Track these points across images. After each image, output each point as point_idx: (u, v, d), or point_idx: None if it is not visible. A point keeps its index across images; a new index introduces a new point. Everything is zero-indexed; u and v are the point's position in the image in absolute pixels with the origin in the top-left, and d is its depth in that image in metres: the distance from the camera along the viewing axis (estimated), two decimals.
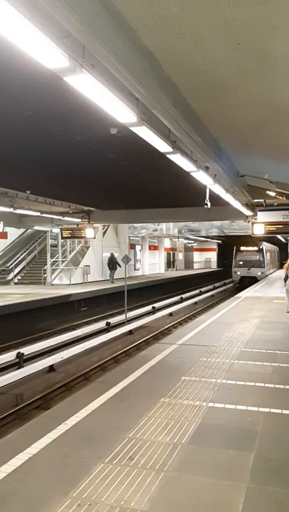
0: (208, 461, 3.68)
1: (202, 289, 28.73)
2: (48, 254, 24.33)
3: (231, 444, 4.02)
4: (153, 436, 4.16)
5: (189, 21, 3.69)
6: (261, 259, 32.74)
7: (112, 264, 24.93)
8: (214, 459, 3.72)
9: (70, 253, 26.19)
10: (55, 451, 3.86)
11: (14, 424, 7.21)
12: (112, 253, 25.66)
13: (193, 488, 3.27)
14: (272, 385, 5.76)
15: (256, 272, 31.88)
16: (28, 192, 15.51)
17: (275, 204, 15.38)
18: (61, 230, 20.69)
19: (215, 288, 31.02)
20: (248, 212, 16.28)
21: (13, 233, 25.52)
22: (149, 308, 18.99)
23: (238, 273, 32.63)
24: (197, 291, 27.37)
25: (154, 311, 18.68)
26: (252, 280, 29.47)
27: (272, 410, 4.85)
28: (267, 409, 4.86)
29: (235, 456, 3.78)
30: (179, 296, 23.78)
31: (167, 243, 41.31)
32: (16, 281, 24.36)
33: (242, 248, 33.11)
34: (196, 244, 50.64)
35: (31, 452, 3.82)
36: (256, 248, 32.82)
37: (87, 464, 3.60)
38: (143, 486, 3.28)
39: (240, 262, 32.81)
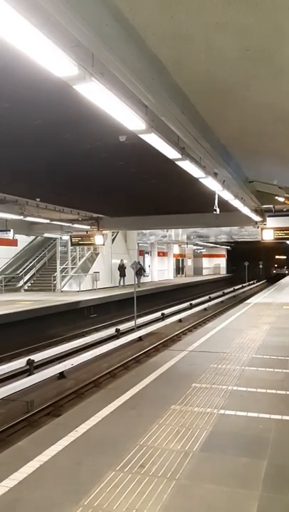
0: (220, 469, 3.65)
1: (211, 295, 28.63)
2: (58, 261, 24.41)
3: (243, 452, 3.98)
4: (164, 443, 4.14)
5: (198, 29, 3.71)
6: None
7: (138, 270, 26.18)
8: (226, 467, 3.69)
9: (79, 260, 26.27)
10: (66, 459, 3.85)
11: (25, 431, 7.20)
12: (121, 259, 26.04)
13: (205, 497, 3.24)
14: (283, 392, 5.71)
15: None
16: (38, 200, 15.59)
17: (285, 210, 15.31)
18: (71, 237, 20.77)
19: (224, 294, 30.91)
20: (257, 218, 16.22)
21: (23, 241, 25.67)
22: (158, 314, 18.93)
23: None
24: (207, 297, 27.27)
25: (164, 317, 18.62)
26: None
27: (284, 417, 4.80)
28: (279, 417, 4.82)
29: (248, 463, 3.75)
30: (189, 303, 23.71)
31: (176, 249, 41.25)
32: (26, 288, 24.46)
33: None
34: (204, 250, 50.54)
35: (42, 460, 3.81)
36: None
37: (98, 472, 3.59)
38: (155, 494, 3.26)
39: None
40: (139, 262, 28.81)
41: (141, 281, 26.81)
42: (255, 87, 4.99)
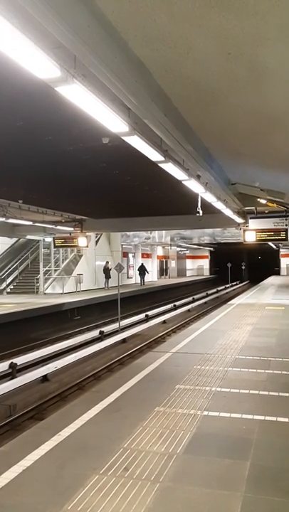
0: (203, 471, 3.66)
1: (195, 296, 28.76)
2: (41, 264, 24.24)
3: (227, 453, 4.00)
4: (148, 446, 4.14)
5: (180, 32, 3.72)
6: None
7: (142, 271, 29.03)
8: (210, 469, 3.70)
9: (62, 262, 26.12)
10: (49, 463, 3.82)
11: (7, 435, 7.14)
12: (107, 261, 26.12)
13: (189, 499, 3.25)
14: (266, 393, 5.76)
15: None
16: (21, 201, 15.47)
17: (266, 211, 15.47)
18: (54, 238, 20.64)
19: (208, 295, 31.07)
20: (239, 220, 16.35)
21: (6, 243, 25.43)
22: (142, 316, 18.93)
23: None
24: (190, 299, 27.37)
25: (148, 319, 18.63)
26: None
27: (267, 418, 4.84)
28: (261, 417, 4.86)
29: (231, 465, 3.77)
30: (172, 304, 23.76)
31: (160, 251, 41.33)
32: (8, 290, 24.22)
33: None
34: (188, 251, 50.75)
35: (25, 464, 3.78)
36: None
37: (81, 476, 3.57)
38: (138, 497, 3.25)
39: None
40: (142, 263, 29.88)
41: (125, 282, 26.86)
42: (237, 91, 5.02)
